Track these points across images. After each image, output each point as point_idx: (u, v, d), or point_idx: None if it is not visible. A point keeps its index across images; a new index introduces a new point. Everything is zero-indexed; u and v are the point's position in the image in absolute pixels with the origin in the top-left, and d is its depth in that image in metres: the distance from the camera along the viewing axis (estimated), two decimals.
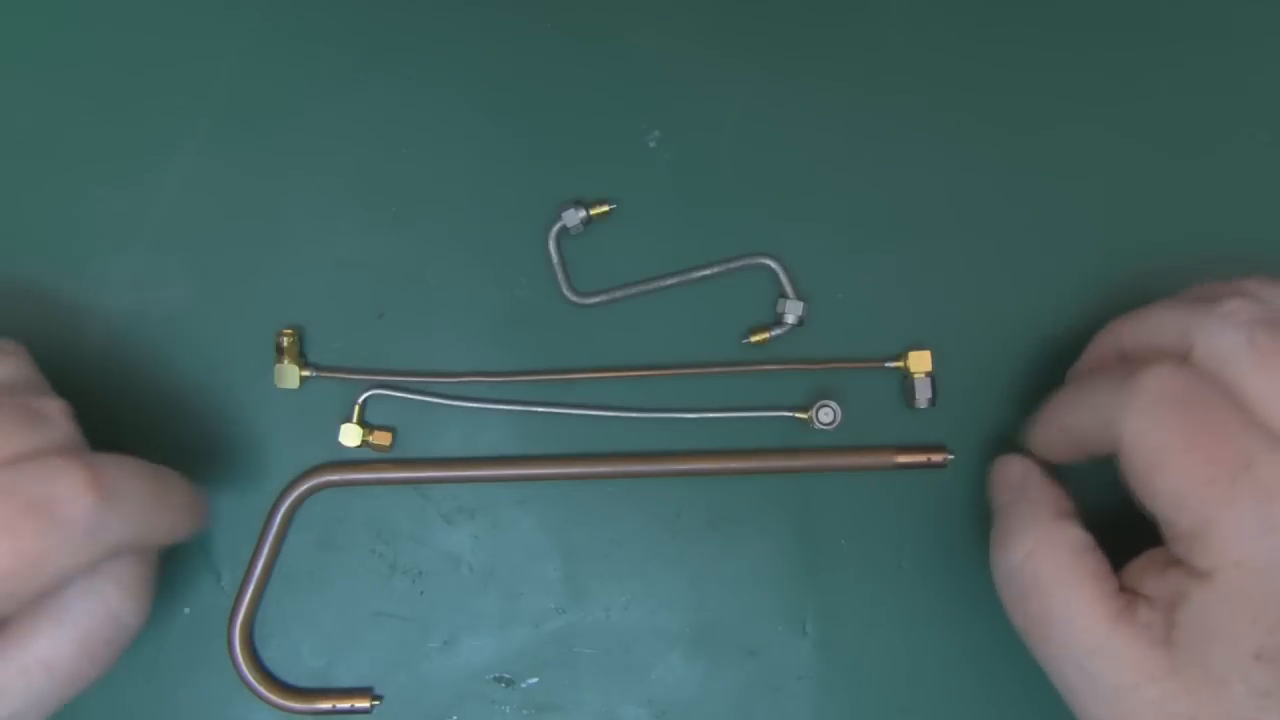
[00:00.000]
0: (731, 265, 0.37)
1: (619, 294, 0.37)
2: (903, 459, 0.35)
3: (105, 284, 0.36)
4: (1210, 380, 0.27)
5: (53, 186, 0.37)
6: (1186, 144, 0.37)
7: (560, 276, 0.36)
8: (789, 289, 0.36)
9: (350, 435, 0.36)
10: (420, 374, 0.36)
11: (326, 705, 0.35)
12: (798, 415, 0.36)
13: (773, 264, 0.37)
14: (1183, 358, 0.28)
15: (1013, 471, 0.33)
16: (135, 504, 0.28)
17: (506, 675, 0.36)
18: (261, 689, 0.35)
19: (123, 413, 0.36)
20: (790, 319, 0.36)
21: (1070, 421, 0.31)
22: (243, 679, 0.35)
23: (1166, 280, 0.37)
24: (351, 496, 0.36)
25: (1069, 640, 0.28)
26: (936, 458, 0.35)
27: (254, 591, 0.35)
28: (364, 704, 0.35)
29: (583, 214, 0.36)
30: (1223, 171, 0.37)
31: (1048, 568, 0.29)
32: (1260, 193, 0.37)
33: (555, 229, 0.36)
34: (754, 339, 0.36)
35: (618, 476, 0.36)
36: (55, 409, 0.29)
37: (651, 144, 0.37)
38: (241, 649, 0.35)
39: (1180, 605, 0.26)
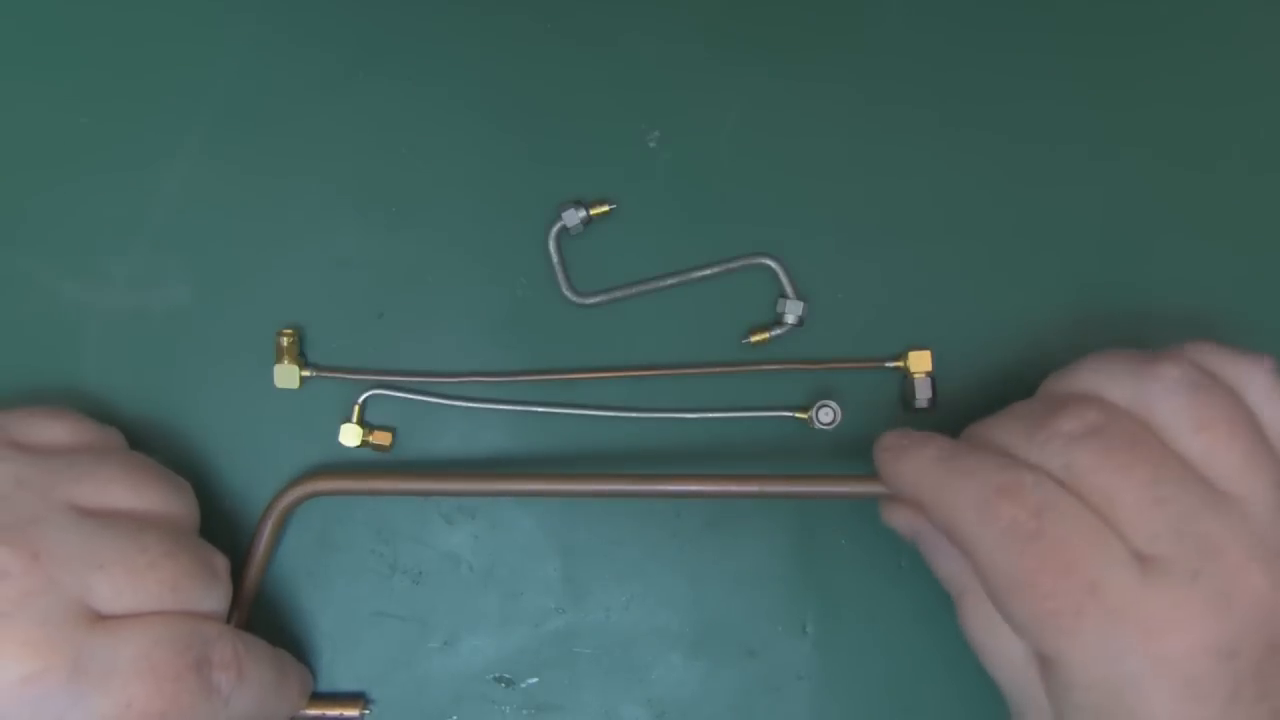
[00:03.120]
0: (731, 265, 0.37)
1: (619, 294, 0.37)
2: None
3: (105, 284, 0.36)
4: (1077, 483, 0.27)
5: (53, 186, 0.37)
6: (1185, 147, 0.38)
7: (560, 276, 0.36)
8: (789, 289, 0.36)
9: (350, 435, 0.36)
10: (420, 374, 0.36)
11: (315, 713, 0.34)
12: (798, 415, 0.36)
13: (773, 264, 0.37)
14: (1032, 466, 0.27)
15: (902, 522, 0.33)
16: (261, 688, 0.30)
17: (506, 675, 0.36)
18: None
19: (123, 413, 0.36)
20: (790, 319, 0.36)
21: (929, 498, 0.29)
22: None
23: (1166, 280, 0.37)
24: (351, 495, 0.36)
25: (997, 676, 0.31)
26: None
27: (246, 598, 0.34)
28: (354, 712, 0.35)
29: (583, 214, 0.36)
30: (1221, 175, 0.37)
31: (975, 611, 0.31)
32: (1259, 195, 0.37)
33: (555, 229, 0.36)
34: (754, 339, 0.36)
35: (624, 495, 0.34)
36: (222, 566, 0.31)
37: (651, 144, 0.37)
38: None
39: (1054, 704, 0.27)
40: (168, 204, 0.37)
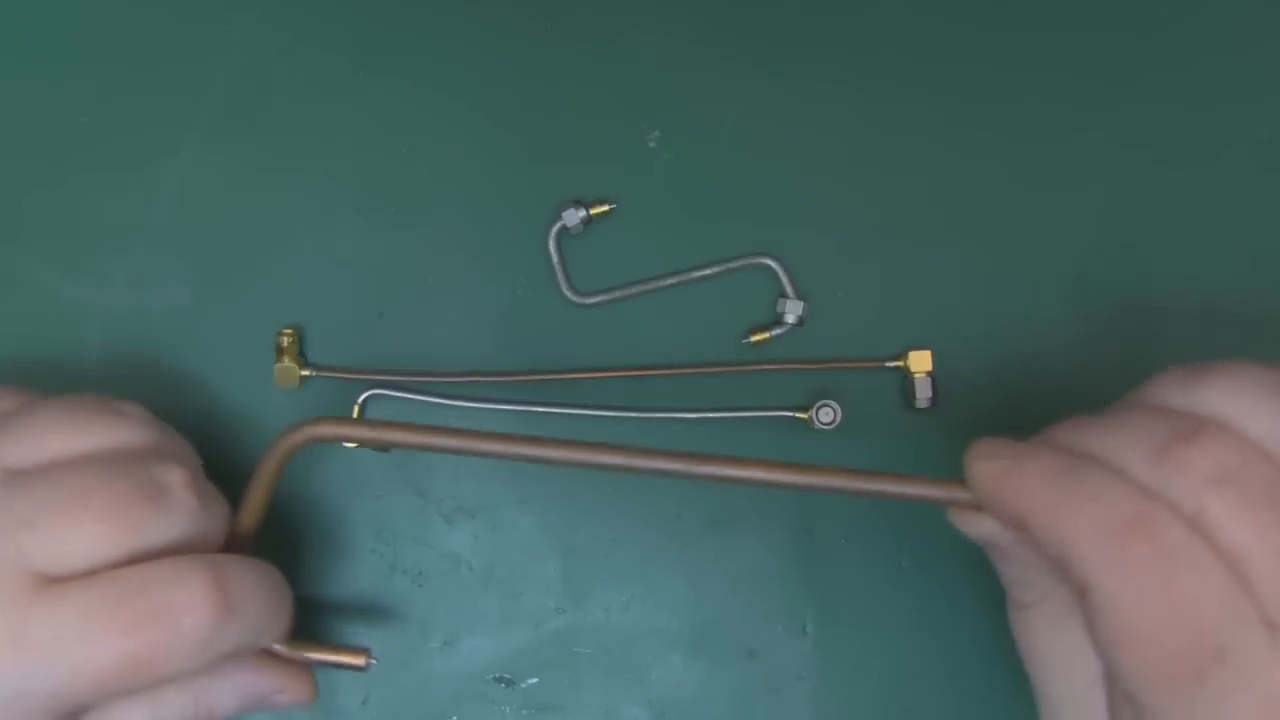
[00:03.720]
0: (731, 265, 0.37)
1: (619, 294, 0.37)
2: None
3: (105, 283, 0.36)
4: (1211, 533, 0.24)
5: (53, 186, 0.37)
6: (1187, 147, 0.37)
7: (560, 276, 0.36)
8: (789, 289, 0.36)
9: None
10: (420, 374, 0.36)
11: (318, 657, 0.31)
12: (798, 415, 0.36)
13: (773, 264, 0.37)
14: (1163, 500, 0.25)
15: (982, 530, 0.29)
16: (254, 614, 0.28)
17: (506, 675, 0.36)
18: None
19: None
20: (790, 319, 0.36)
21: (1040, 520, 0.26)
22: None
23: (1165, 280, 0.37)
24: (352, 495, 0.36)
25: (1049, 687, 0.29)
26: None
27: (241, 545, 0.31)
28: (358, 661, 0.32)
29: (583, 214, 0.36)
30: (1222, 174, 0.37)
31: (1049, 619, 0.29)
32: (1259, 196, 0.37)
33: (555, 229, 0.36)
34: (754, 339, 0.36)
35: (659, 473, 0.31)
36: (177, 479, 0.28)
37: (651, 144, 0.37)
38: None
39: None
40: (168, 204, 0.37)
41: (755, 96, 0.37)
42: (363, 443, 0.32)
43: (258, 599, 0.28)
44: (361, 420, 0.30)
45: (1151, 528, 0.24)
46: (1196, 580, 0.24)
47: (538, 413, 0.36)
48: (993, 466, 0.27)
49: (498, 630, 0.36)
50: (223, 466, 0.36)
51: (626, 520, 0.36)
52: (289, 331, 0.36)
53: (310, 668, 0.31)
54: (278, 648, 0.30)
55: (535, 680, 0.36)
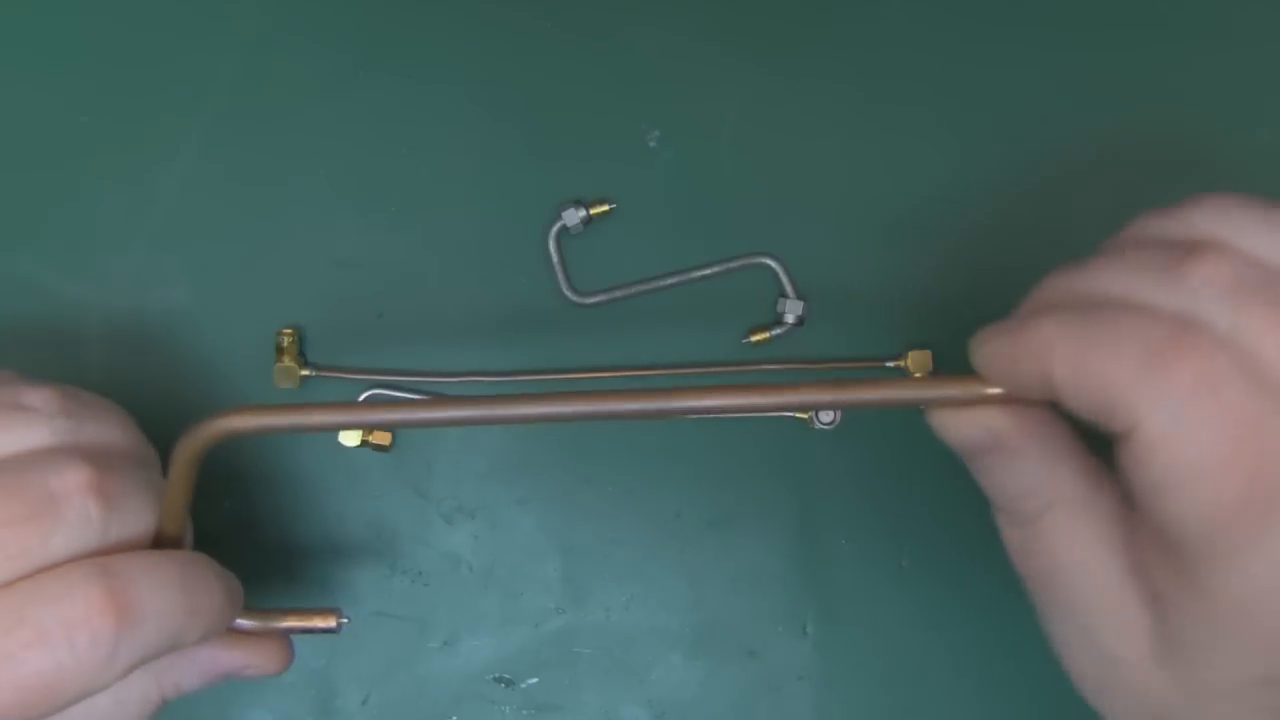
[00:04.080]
0: (731, 265, 0.37)
1: (619, 294, 0.37)
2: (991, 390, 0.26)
3: (105, 283, 0.36)
4: (1252, 349, 0.22)
5: (53, 186, 0.37)
6: (1188, 144, 0.37)
7: (560, 276, 0.36)
8: (789, 289, 0.36)
9: (350, 435, 0.36)
10: (420, 374, 0.36)
11: (289, 625, 0.30)
12: (798, 415, 0.36)
13: (773, 264, 0.37)
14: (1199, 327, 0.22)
15: (990, 423, 0.26)
16: (166, 613, 0.25)
17: (506, 675, 0.36)
18: None
19: None
20: (790, 319, 0.36)
21: (1069, 369, 0.23)
22: None
23: None
24: (352, 495, 0.36)
25: (1075, 601, 0.25)
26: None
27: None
28: (329, 623, 0.30)
29: (583, 214, 0.36)
30: (1223, 174, 0.37)
31: (1064, 527, 0.25)
32: (1260, 192, 0.37)
33: (555, 229, 0.36)
34: (754, 339, 0.36)
35: (620, 416, 0.27)
36: (74, 484, 0.25)
37: (651, 144, 0.37)
38: None
39: (1182, 604, 0.23)
40: (168, 204, 0.37)
41: (755, 96, 0.37)
42: (286, 430, 0.29)
43: (168, 597, 0.25)
44: (279, 406, 0.27)
45: (1194, 345, 0.22)
46: (1251, 408, 0.21)
47: None
48: (1001, 341, 0.25)
49: (498, 630, 0.36)
50: (223, 466, 0.36)
51: (626, 520, 0.36)
52: (289, 331, 0.36)
53: (285, 637, 0.30)
54: (242, 622, 0.29)
55: (535, 680, 0.36)
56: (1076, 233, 0.37)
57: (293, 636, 0.31)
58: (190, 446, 0.27)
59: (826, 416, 0.36)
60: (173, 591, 0.25)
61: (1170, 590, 0.23)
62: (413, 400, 0.27)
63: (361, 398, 0.36)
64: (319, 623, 0.30)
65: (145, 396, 0.36)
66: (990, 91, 0.37)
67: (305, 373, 0.36)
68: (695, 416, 0.26)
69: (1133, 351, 0.22)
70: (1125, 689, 0.25)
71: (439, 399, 0.27)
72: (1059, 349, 0.23)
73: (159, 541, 0.28)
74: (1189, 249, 0.23)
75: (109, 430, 0.29)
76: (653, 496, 0.36)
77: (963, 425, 0.27)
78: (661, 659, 0.36)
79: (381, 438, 0.36)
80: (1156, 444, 0.22)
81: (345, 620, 0.30)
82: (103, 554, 0.25)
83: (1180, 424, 0.21)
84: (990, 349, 0.25)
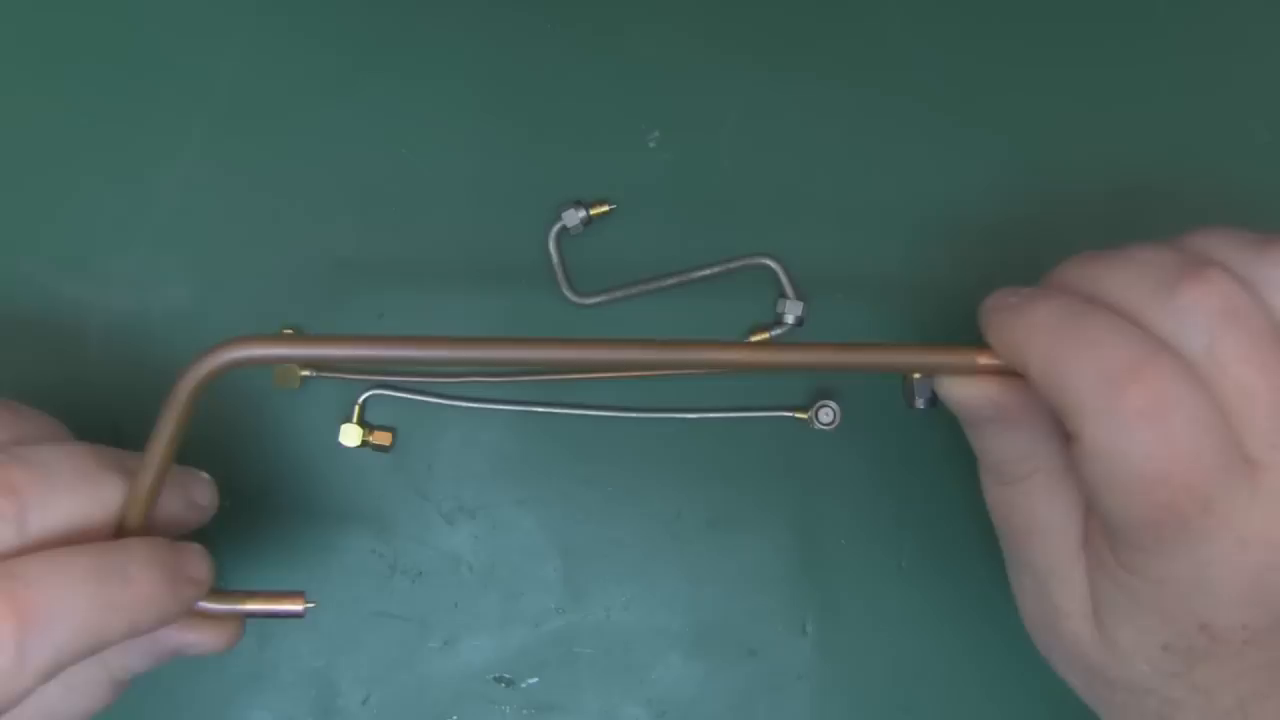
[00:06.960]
0: (731, 265, 0.37)
1: (619, 294, 0.37)
2: (984, 360, 0.28)
3: (106, 283, 0.36)
4: (1219, 372, 0.24)
5: (53, 186, 0.37)
6: (1189, 147, 0.37)
7: (560, 276, 0.36)
8: (789, 289, 0.36)
9: (350, 435, 0.36)
10: (420, 374, 0.36)
11: (254, 608, 0.29)
12: (798, 415, 0.36)
13: (773, 264, 0.37)
14: (1167, 342, 0.25)
15: (990, 393, 0.28)
16: (75, 619, 0.24)
17: (506, 675, 0.36)
18: None
19: (122, 413, 0.36)
20: (790, 319, 0.36)
21: (1040, 366, 0.25)
22: None
23: None
24: (352, 495, 0.36)
25: (1036, 556, 0.29)
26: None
27: (142, 493, 0.28)
28: (296, 607, 0.29)
29: (583, 214, 0.36)
30: (1225, 175, 0.37)
31: (1043, 491, 0.29)
32: (1260, 196, 0.37)
33: (555, 229, 0.36)
34: (754, 339, 0.36)
35: (629, 367, 0.28)
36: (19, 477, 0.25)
37: (651, 144, 0.37)
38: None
39: (1114, 575, 0.27)
40: (168, 204, 0.37)
41: (755, 97, 0.37)
42: (297, 361, 0.27)
43: (80, 594, 0.24)
44: (284, 337, 0.26)
45: (1150, 377, 0.24)
46: (1191, 433, 0.24)
47: (538, 413, 0.36)
48: (1003, 316, 0.27)
49: (498, 630, 0.36)
50: (222, 467, 0.36)
51: (626, 520, 0.36)
52: (289, 331, 0.36)
53: (240, 617, 0.29)
54: (206, 605, 0.29)
55: (535, 680, 0.36)
56: (1076, 234, 0.37)
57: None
58: (194, 377, 0.27)
59: (826, 416, 0.36)
60: (86, 588, 0.24)
61: (1107, 563, 0.27)
62: (426, 338, 0.27)
63: (362, 398, 0.36)
64: (286, 605, 0.29)
65: (145, 397, 0.36)
66: (990, 91, 0.37)
67: (305, 373, 0.36)
68: (705, 372, 0.28)
69: (1095, 367, 0.24)
70: (1066, 639, 0.28)
71: (451, 338, 0.27)
72: (1037, 341, 0.25)
73: (141, 481, 0.27)
74: (1190, 268, 0.25)
75: (6, 420, 0.28)
76: (653, 496, 0.36)
77: (969, 395, 0.28)
78: (661, 659, 0.36)
79: (382, 438, 0.36)
80: (1095, 454, 0.24)
81: (312, 605, 0.30)
82: (26, 550, 0.25)
83: (1119, 442, 0.24)
84: (992, 319, 0.27)
